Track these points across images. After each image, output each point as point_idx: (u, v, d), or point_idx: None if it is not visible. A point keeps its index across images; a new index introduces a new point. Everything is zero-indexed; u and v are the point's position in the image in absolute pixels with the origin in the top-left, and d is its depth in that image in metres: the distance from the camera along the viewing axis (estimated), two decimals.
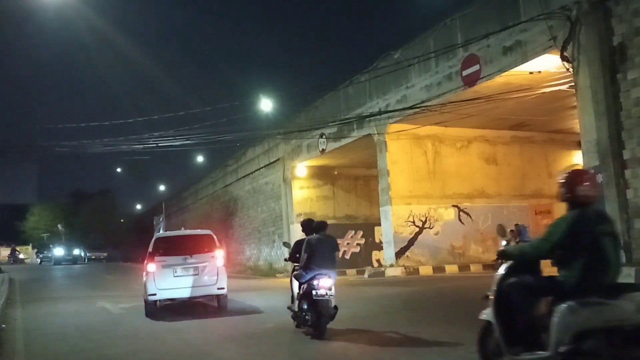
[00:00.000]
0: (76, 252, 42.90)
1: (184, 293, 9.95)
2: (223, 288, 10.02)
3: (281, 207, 24.58)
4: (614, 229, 3.78)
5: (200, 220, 33.36)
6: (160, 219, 47.27)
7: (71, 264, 39.27)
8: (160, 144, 17.81)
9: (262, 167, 26.86)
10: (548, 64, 12.18)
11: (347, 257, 23.58)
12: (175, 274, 9.87)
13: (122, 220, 61.09)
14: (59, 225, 60.40)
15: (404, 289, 12.09)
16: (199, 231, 11.88)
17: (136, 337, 7.39)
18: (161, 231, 46.57)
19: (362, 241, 24.22)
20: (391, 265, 17.13)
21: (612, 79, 10.28)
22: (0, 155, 18.25)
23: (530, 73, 12.70)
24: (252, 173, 28.24)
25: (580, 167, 4.31)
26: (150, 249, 10.25)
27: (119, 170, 56.27)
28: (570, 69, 11.00)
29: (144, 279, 9.95)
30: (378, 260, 22.56)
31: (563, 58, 11.00)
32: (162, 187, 50.40)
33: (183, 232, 12.70)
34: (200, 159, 36.98)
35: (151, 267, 9.83)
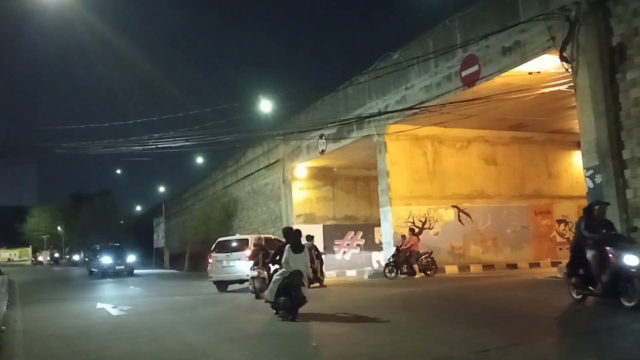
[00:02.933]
0: (131, 259, 29.38)
1: (227, 277, 15.25)
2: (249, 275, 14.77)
3: (281, 208, 24.58)
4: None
5: (200, 222, 33.34)
6: (160, 220, 47.32)
7: (126, 275, 27.79)
8: (159, 145, 17.78)
9: (261, 168, 26.86)
10: (547, 65, 12.18)
11: (347, 257, 23.61)
12: (222, 265, 15.28)
13: (122, 222, 61.09)
14: (58, 227, 60.40)
15: (403, 290, 12.09)
16: (240, 236, 17.35)
17: (136, 339, 7.38)
18: (161, 233, 46.89)
19: (362, 242, 24.23)
20: None
21: (611, 79, 10.28)
22: None
23: (530, 73, 12.70)
24: (251, 174, 28.24)
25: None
26: (212, 248, 16.18)
27: (118, 171, 56.23)
28: (570, 70, 11.00)
29: (208, 267, 15.80)
30: (378, 261, 22.56)
31: (562, 58, 11.00)
32: (161, 189, 50.38)
33: (232, 237, 17.40)
34: (200, 160, 36.93)
35: (210, 260, 15.71)
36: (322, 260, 15.97)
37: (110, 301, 13.00)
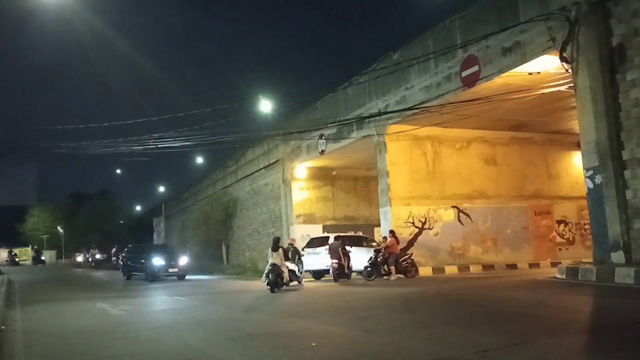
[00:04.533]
0: (183, 260, 22.92)
1: (312, 267, 18.02)
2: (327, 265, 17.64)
3: (281, 208, 24.58)
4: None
5: (199, 222, 33.33)
6: (160, 220, 47.30)
7: (176, 280, 21.91)
8: (159, 145, 17.80)
9: (261, 168, 26.87)
10: (547, 65, 12.20)
11: None
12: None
13: (121, 222, 61.05)
14: (58, 227, 60.37)
15: (403, 290, 12.09)
16: (323, 234, 20.11)
17: (136, 339, 7.38)
18: (161, 233, 46.85)
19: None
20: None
21: (611, 79, 10.30)
22: None
23: (530, 74, 12.72)
24: (251, 174, 28.24)
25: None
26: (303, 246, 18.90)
27: (118, 171, 56.17)
28: (570, 70, 11.02)
29: None
30: None
31: (562, 59, 11.02)
32: (161, 189, 50.37)
33: (317, 236, 19.68)
34: (199, 160, 36.93)
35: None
36: (349, 258, 16.68)
37: (110, 301, 12.99)
